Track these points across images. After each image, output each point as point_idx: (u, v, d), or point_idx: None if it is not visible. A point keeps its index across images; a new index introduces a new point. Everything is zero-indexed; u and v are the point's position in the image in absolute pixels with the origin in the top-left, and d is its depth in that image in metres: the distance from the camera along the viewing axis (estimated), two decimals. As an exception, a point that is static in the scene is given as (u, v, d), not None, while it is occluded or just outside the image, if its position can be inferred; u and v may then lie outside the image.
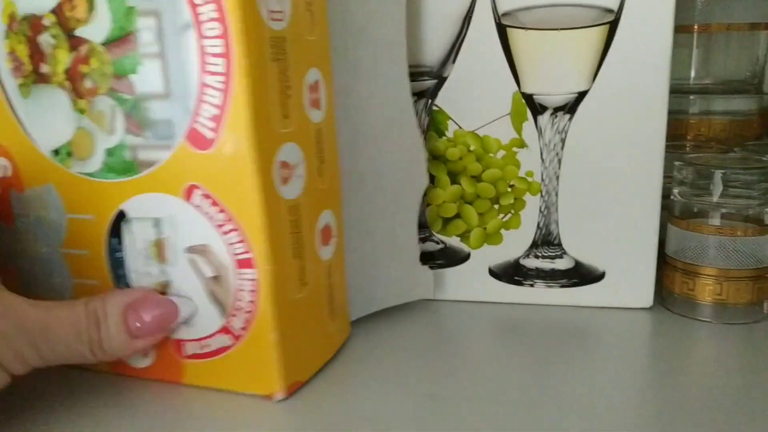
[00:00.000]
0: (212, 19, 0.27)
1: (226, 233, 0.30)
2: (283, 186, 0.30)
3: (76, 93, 0.30)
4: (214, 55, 0.27)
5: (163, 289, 0.32)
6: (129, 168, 0.30)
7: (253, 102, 0.28)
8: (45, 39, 0.30)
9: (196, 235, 0.30)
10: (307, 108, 0.31)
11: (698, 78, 0.49)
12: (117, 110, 0.30)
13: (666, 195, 0.41)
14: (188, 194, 0.30)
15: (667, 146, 0.40)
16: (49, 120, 0.31)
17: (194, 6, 0.27)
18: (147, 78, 0.29)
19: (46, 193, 0.32)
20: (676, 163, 0.41)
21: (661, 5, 0.36)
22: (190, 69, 0.28)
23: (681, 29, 0.49)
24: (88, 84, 0.30)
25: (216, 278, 0.31)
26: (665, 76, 0.38)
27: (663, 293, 0.42)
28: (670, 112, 0.42)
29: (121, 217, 0.31)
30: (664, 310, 0.42)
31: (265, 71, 0.28)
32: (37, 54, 0.30)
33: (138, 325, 0.30)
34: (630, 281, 0.41)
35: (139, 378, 0.34)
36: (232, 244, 0.30)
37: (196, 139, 0.29)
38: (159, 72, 0.28)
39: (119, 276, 0.32)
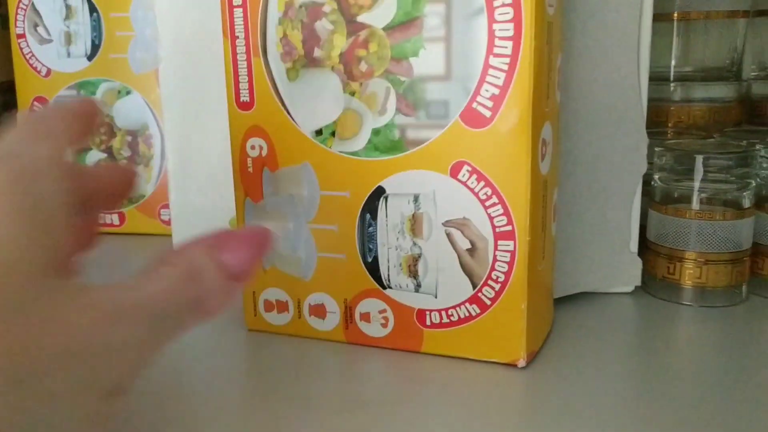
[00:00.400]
0: (505, 5, 0.29)
1: (489, 207, 0.32)
2: (541, 162, 0.32)
3: (349, 76, 0.33)
4: (503, 38, 0.30)
5: (414, 262, 0.34)
6: (395, 146, 0.32)
7: (536, 83, 0.30)
8: (322, 25, 0.32)
9: (457, 210, 0.32)
10: (556, 89, 0.34)
11: (678, 66, 0.51)
12: (391, 91, 0.32)
13: (647, 181, 0.42)
14: (455, 171, 0.32)
15: (648, 133, 0.41)
16: (315, 102, 0.33)
17: (490, -8, 0.29)
18: (428, 61, 0.31)
19: (301, 171, 0.35)
20: (657, 149, 0.42)
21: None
22: (476, 51, 0.30)
23: (661, 18, 0.49)
24: (363, 67, 0.32)
25: (471, 250, 0.33)
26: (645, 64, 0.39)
27: (645, 278, 0.43)
28: (651, 100, 0.44)
29: (379, 193, 0.33)
30: (646, 294, 0.43)
31: (544, 55, 0.30)
32: (311, 39, 0.33)
33: (234, 263, 0.24)
34: (613, 267, 0.42)
35: (376, 347, 0.36)
36: (494, 217, 0.32)
37: (472, 118, 0.31)
38: (442, 55, 0.31)
39: (369, 249, 0.34)
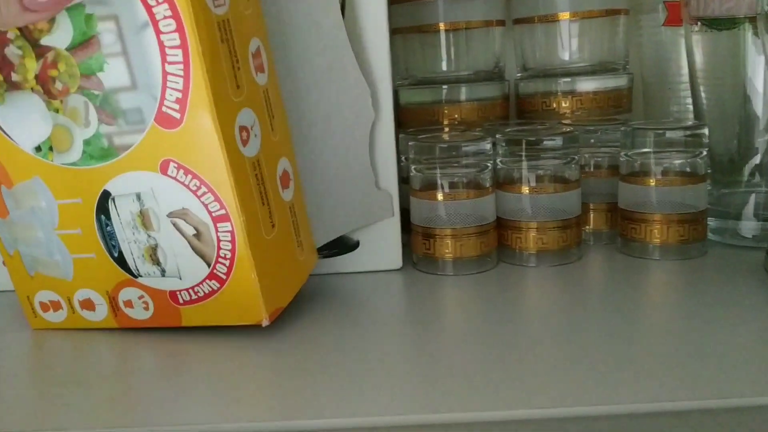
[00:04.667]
0: (167, 17, 0.32)
1: (201, 196, 0.35)
2: (244, 147, 0.36)
3: (49, 95, 0.35)
4: (172, 47, 0.32)
5: (154, 252, 0.37)
6: (107, 153, 0.35)
7: (211, 82, 0.33)
8: (11, 50, 0.34)
9: (175, 202, 0.36)
10: (253, 74, 0.37)
11: (450, 71, 0.57)
12: (89, 105, 0.34)
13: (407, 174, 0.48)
14: (164, 168, 0.35)
15: (424, 130, 0.50)
16: (26, 121, 0.35)
17: (149, 7, 0.32)
18: (113, 74, 0.33)
19: (34, 185, 0.37)
20: (410, 143, 0.48)
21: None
22: (153, 62, 0.33)
23: (429, 29, 0.57)
24: (58, 86, 0.34)
25: (197, 235, 0.36)
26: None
27: (412, 257, 0.49)
28: (427, 103, 0.56)
29: (106, 196, 0.36)
30: (412, 269, 0.49)
31: (217, 53, 0.33)
32: (6, 65, 0.34)
33: None
34: (381, 248, 0.48)
35: (146, 327, 0.40)
36: (207, 204, 0.35)
37: (165, 121, 0.34)
38: (124, 68, 0.33)
39: (112, 246, 0.38)
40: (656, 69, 0.60)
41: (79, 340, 0.40)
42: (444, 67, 0.57)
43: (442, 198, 0.46)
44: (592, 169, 0.52)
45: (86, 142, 0.35)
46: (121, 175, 0.36)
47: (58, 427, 0.29)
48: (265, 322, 0.38)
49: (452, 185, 0.46)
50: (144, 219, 0.36)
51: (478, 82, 0.57)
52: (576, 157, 0.48)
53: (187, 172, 0.35)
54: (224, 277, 0.37)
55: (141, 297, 0.39)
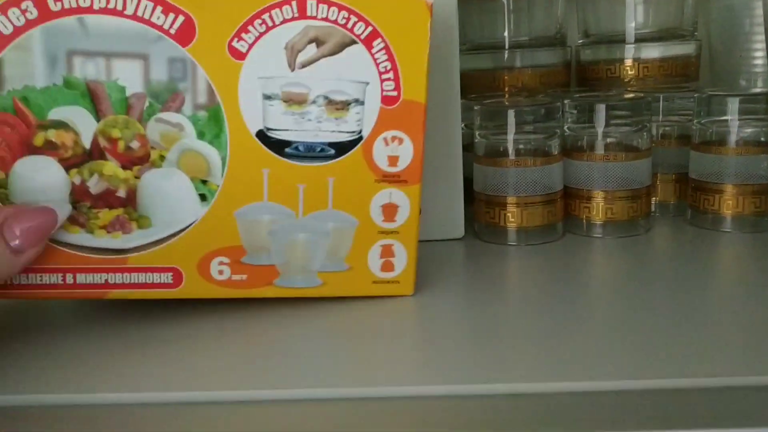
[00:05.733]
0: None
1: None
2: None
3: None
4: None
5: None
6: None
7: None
8: None
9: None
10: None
11: (511, 36, 0.55)
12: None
13: (471, 142, 0.46)
14: (233, 119, 0.33)
15: (484, 96, 0.49)
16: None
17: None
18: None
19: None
20: (476, 108, 0.46)
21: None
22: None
23: None
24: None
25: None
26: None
27: (475, 225, 0.47)
28: (488, 69, 0.54)
29: None
30: (474, 238, 0.47)
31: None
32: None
33: (17, 241, 0.28)
34: (443, 216, 0.46)
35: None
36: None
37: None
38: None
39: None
40: (726, 36, 0.57)
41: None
42: (504, 32, 0.55)
43: (508, 165, 0.44)
44: (659, 139, 0.50)
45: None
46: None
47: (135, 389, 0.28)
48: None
49: (519, 152, 0.44)
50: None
51: (539, 48, 0.55)
52: (648, 124, 0.45)
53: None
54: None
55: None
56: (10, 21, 0.30)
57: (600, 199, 0.45)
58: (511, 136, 0.44)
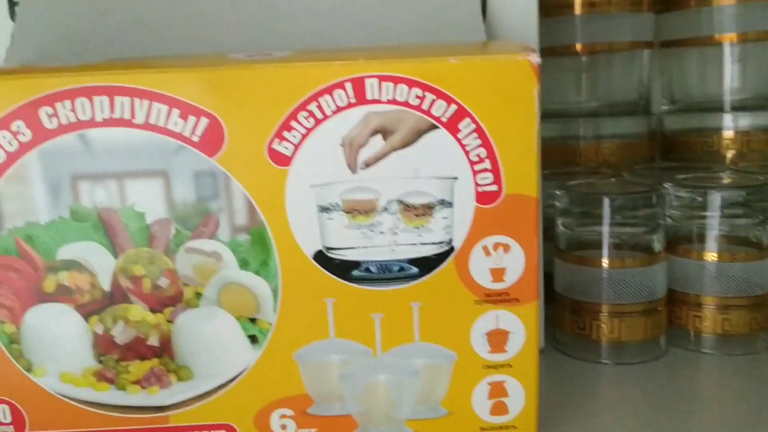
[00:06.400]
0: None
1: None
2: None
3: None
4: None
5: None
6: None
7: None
8: None
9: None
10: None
11: (586, 101, 0.45)
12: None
13: (549, 227, 0.36)
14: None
15: (558, 173, 0.39)
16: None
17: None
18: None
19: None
20: (557, 192, 0.36)
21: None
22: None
23: (564, 51, 0.44)
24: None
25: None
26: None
27: (555, 334, 0.37)
28: (559, 138, 0.43)
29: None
30: (555, 352, 0.37)
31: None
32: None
33: None
34: None
35: None
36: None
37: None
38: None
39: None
40: None
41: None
42: (578, 96, 0.45)
43: (602, 264, 0.34)
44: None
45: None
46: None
47: None
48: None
49: (615, 247, 0.34)
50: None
51: (620, 116, 0.45)
52: (771, 214, 0.34)
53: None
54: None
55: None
56: (0, 147, 0.24)
57: (713, 307, 0.35)
58: (606, 229, 0.34)
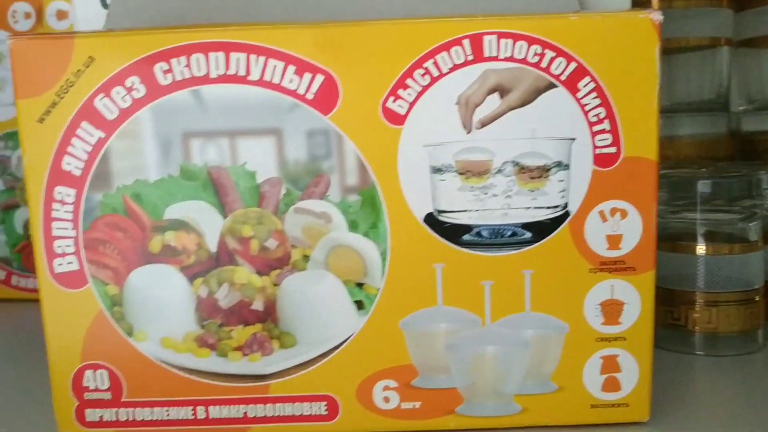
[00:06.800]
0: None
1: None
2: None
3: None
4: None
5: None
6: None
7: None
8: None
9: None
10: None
11: (662, 100, 0.44)
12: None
13: None
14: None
15: None
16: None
17: None
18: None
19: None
20: None
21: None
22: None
23: None
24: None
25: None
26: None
27: None
28: None
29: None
30: None
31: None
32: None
33: None
34: None
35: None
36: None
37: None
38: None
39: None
40: None
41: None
42: None
43: (698, 251, 0.33)
44: None
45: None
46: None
47: None
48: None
49: (709, 234, 0.33)
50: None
51: (698, 113, 0.44)
52: None
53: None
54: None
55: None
56: (114, 103, 0.24)
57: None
58: (700, 216, 0.33)
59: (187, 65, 0.23)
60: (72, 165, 0.24)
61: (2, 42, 0.46)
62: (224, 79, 0.23)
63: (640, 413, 0.26)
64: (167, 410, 0.26)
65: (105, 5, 0.34)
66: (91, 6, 0.34)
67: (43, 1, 0.46)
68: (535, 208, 0.24)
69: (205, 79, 0.23)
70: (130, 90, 0.23)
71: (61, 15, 0.46)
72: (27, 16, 0.46)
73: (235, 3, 0.31)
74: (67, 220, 0.24)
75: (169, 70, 0.23)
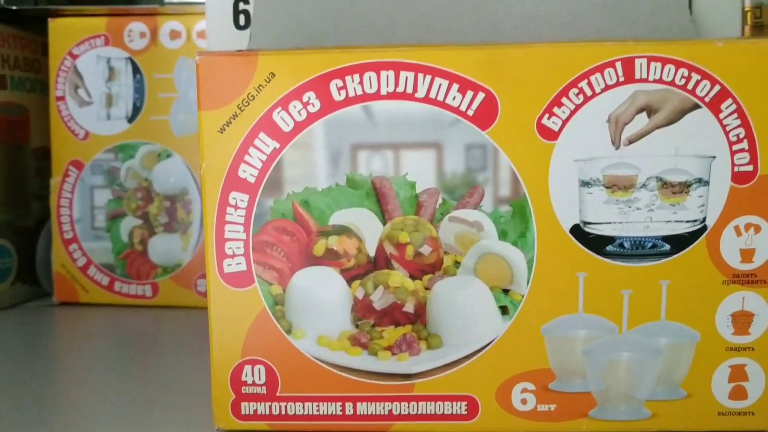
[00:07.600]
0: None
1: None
2: None
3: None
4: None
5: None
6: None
7: None
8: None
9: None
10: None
11: None
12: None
13: None
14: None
15: None
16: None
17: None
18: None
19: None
20: None
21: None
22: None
23: None
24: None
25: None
26: None
27: None
28: None
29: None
30: None
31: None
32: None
33: None
34: None
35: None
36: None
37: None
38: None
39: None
40: None
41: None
42: None
43: None
44: None
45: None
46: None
47: None
48: None
49: None
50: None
51: None
52: None
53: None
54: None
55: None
56: (290, 116, 0.26)
57: None
58: None
59: (360, 82, 0.25)
60: (247, 173, 0.26)
61: (119, 59, 0.49)
62: (393, 96, 0.25)
63: (765, 422, 0.27)
64: (318, 405, 0.27)
65: (238, 26, 0.36)
66: (225, 27, 0.36)
67: (158, 22, 0.48)
68: (675, 221, 0.26)
69: (376, 96, 0.25)
70: (306, 104, 0.26)
71: (174, 35, 0.48)
72: (142, 35, 0.49)
73: (370, 26, 0.33)
74: (239, 224, 0.26)
75: (344, 87, 0.25)
